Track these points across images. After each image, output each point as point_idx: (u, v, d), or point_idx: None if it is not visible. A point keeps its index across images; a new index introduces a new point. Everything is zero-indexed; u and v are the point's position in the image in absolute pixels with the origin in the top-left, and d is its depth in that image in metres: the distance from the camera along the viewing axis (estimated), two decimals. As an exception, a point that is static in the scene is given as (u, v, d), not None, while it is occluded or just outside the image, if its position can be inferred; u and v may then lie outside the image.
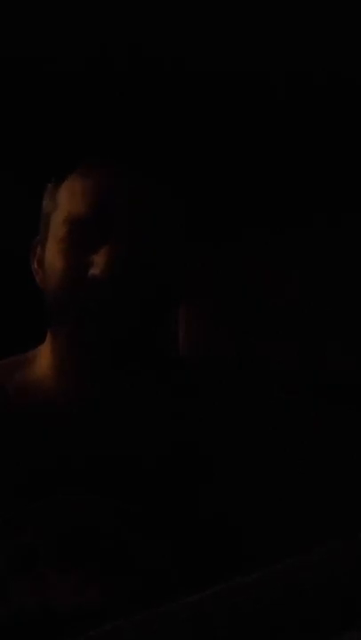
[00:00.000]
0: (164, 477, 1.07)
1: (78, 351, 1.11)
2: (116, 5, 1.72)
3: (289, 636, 0.88)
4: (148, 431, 1.10)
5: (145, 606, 0.92)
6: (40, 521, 1.03)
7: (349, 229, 2.05)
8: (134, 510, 1.04)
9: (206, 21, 1.78)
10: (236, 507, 1.07)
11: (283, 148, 2.01)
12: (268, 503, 1.09)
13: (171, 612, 0.90)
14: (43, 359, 1.15)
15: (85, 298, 1.06)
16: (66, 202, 1.11)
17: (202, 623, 0.88)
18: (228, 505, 1.07)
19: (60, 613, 0.97)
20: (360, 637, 0.88)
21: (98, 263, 1.06)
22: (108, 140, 1.90)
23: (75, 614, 0.97)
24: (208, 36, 1.82)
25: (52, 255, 1.11)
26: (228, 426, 1.12)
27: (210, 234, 1.88)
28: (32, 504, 1.03)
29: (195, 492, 1.07)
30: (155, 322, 1.13)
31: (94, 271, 1.06)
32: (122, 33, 1.82)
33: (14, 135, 1.93)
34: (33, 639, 0.96)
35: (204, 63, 1.87)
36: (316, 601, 0.89)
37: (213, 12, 1.75)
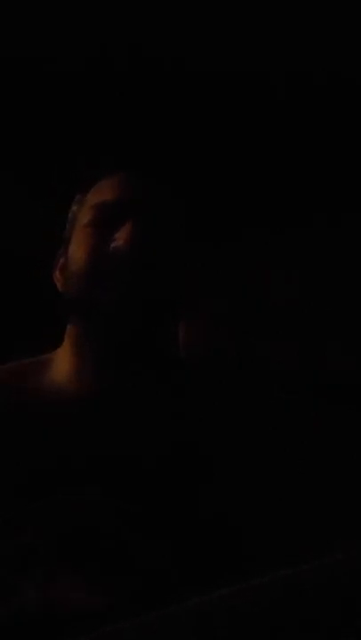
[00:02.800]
0: (165, 477, 1.07)
1: (86, 353, 1.12)
2: (117, 5, 1.72)
3: (289, 637, 0.88)
4: (148, 431, 1.10)
5: (145, 606, 0.92)
6: (40, 521, 1.03)
7: (349, 229, 2.04)
8: (134, 510, 1.04)
9: (206, 22, 1.78)
10: (236, 507, 1.07)
11: (283, 149, 2.01)
12: (268, 503, 1.09)
13: (171, 613, 0.90)
14: (55, 363, 1.15)
15: (107, 280, 1.09)
16: (91, 197, 1.16)
17: (202, 624, 0.88)
18: (228, 505, 1.07)
19: (61, 613, 0.97)
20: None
21: (120, 237, 1.09)
22: (108, 140, 1.90)
23: (75, 614, 0.97)
24: (208, 36, 1.82)
25: (76, 244, 1.14)
26: (229, 426, 1.12)
27: (210, 234, 1.88)
28: (32, 504, 1.03)
29: (195, 492, 1.07)
30: (158, 322, 1.13)
31: (117, 244, 1.09)
32: (122, 33, 1.82)
33: (14, 135, 1.93)
34: (33, 639, 0.96)
35: (204, 63, 1.87)
36: (316, 601, 0.89)
37: (214, 13, 1.75)
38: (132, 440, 1.09)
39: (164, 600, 0.92)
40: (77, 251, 1.14)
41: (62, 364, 1.15)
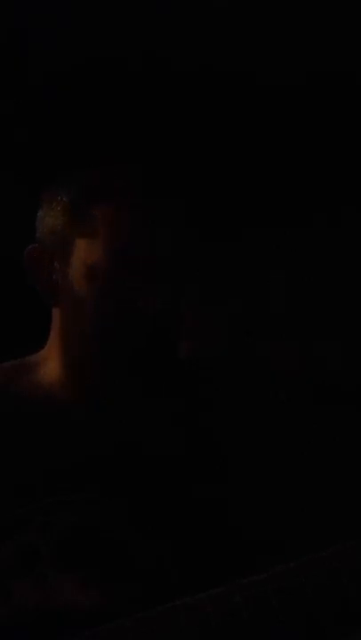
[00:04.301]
0: (165, 478, 1.07)
1: (78, 354, 1.12)
2: (117, 6, 1.72)
3: (290, 637, 0.88)
4: (148, 432, 1.10)
5: (145, 606, 0.92)
6: (41, 521, 1.03)
7: (349, 229, 2.05)
8: (134, 510, 1.04)
9: (205, 20, 1.78)
10: (236, 507, 1.07)
11: (283, 149, 2.01)
12: (268, 503, 1.09)
13: (170, 613, 0.90)
14: (49, 362, 1.15)
15: (134, 325, 1.08)
16: (106, 236, 1.10)
17: (201, 624, 0.88)
18: (229, 505, 1.07)
19: (61, 613, 0.97)
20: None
21: (151, 294, 1.08)
22: (108, 140, 1.90)
23: (75, 614, 0.97)
24: (207, 36, 1.82)
25: (87, 286, 1.10)
26: (228, 426, 1.12)
27: (210, 234, 1.88)
28: (33, 504, 1.03)
29: (195, 492, 1.07)
30: (165, 324, 1.13)
31: (149, 304, 1.08)
32: (121, 32, 1.82)
33: (14, 135, 1.93)
34: (33, 639, 0.96)
35: (205, 63, 1.87)
36: (316, 601, 0.89)
37: (215, 14, 1.75)
38: (132, 441, 1.09)
39: (163, 600, 0.92)
40: (93, 294, 1.10)
41: (52, 364, 1.14)
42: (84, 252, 1.11)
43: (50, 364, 1.15)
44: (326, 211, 2.04)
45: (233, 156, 2.00)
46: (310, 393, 1.26)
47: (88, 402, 1.11)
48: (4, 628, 0.97)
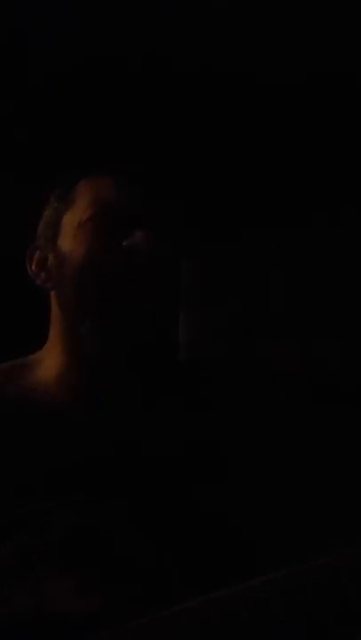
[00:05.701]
0: (165, 478, 1.07)
1: (79, 352, 1.12)
2: (113, 6, 1.72)
3: (290, 638, 0.88)
4: (148, 432, 1.10)
5: (145, 607, 0.92)
6: (40, 521, 1.03)
7: (349, 229, 2.04)
8: (134, 510, 1.04)
9: (207, 22, 1.78)
10: (236, 507, 1.07)
11: (283, 149, 2.01)
12: (268, 503, 1.09)
13: (171, 616, 0.90)
14: (48, 362, 1.15)
15: (116, 286, 1.08)
16: (86, 194, 1.13)
17: (201, 624, 0.88)
18: (229, 505, 1.07)
19: (60, 614, 0.97)
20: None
21: (135, 245, 1.08)
22: (108, 140, 1.90)
23: (74, 616, 0.96)
24: (207, 36, 1.82)
25: (75, 242, 1.12)
26: (228, 426, 1.12)
27: (210, 234, 1.88)
28: (33, 504, 1.03)
29: (195, 492, 1.07)
30: (164, 324, 1.13)
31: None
32: (121, 34, 1.82)
33: (14, 135, 1.93)
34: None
35: (205, 62, 1.87)
36: (316, 601, 0.89)
37: (215, 14, 1.75)
38: (132, 441, 1.09)
39: (164, 601, 0.92)
40: (79, 249, 1.12)
41: (51, 364, 1.15)
42: (64, 223, 1.14)
43: (49, 364, 1.15)
44: (326, 211, 2.04)
45: (233, 155, 2.00)
46: (310, 393, 1.26)
47: (88, 401, 1.12)
48: (4, 629, 0.97)
